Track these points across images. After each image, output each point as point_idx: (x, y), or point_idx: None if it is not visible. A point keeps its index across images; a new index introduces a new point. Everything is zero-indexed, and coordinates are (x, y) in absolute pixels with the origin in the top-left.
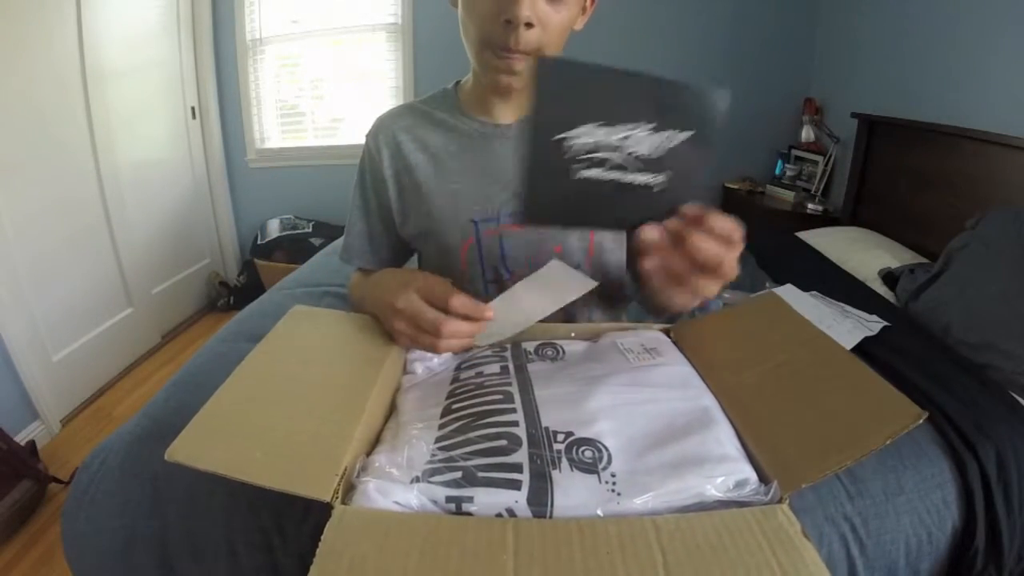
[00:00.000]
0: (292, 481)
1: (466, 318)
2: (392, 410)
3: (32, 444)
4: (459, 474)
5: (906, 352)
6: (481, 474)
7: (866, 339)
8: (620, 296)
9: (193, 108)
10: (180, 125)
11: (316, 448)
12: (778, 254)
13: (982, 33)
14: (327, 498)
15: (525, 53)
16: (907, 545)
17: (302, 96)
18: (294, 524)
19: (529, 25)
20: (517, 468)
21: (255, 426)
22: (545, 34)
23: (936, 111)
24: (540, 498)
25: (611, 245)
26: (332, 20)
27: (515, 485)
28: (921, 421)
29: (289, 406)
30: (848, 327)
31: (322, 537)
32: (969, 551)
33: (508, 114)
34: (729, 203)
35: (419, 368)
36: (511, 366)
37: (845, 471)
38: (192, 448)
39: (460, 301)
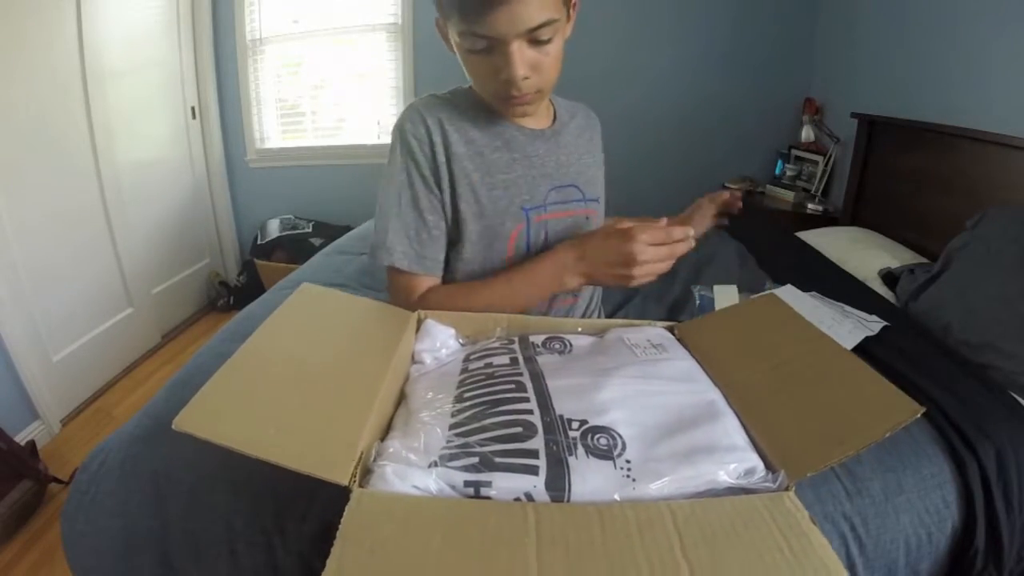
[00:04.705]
0: (309, 463)
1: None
2: (401, 398)
3: (32, 444)
4: (476, 459)
5: (906, 352)
6: (498, 459)
7: (866, 339)
8: None
9: (193, 108)
10: (180, 125)
11: (331, 430)
12: (778, 254)
13: (982, 33)
14: (345, 481)
15: (529, 94)
16: (907, 545)
17: (302, 96)
18: (295, 524)
19: (526, 77)
20: (534, 454)
21: (266, 402)
22: (541, 76)
23: (936, 111)
24: (558, 483)
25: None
26: (332, 20)
27: (533, 470)
28: (919, 415)
29: (301, 385)
30: (848, 327)
31: (342, 520)
32: (969, 551)
33: (538, 122)
34: None
35: (428, 358)
36: (520, 358)
37: (845, 471)
38: (201, 419)
39: (676, 230)
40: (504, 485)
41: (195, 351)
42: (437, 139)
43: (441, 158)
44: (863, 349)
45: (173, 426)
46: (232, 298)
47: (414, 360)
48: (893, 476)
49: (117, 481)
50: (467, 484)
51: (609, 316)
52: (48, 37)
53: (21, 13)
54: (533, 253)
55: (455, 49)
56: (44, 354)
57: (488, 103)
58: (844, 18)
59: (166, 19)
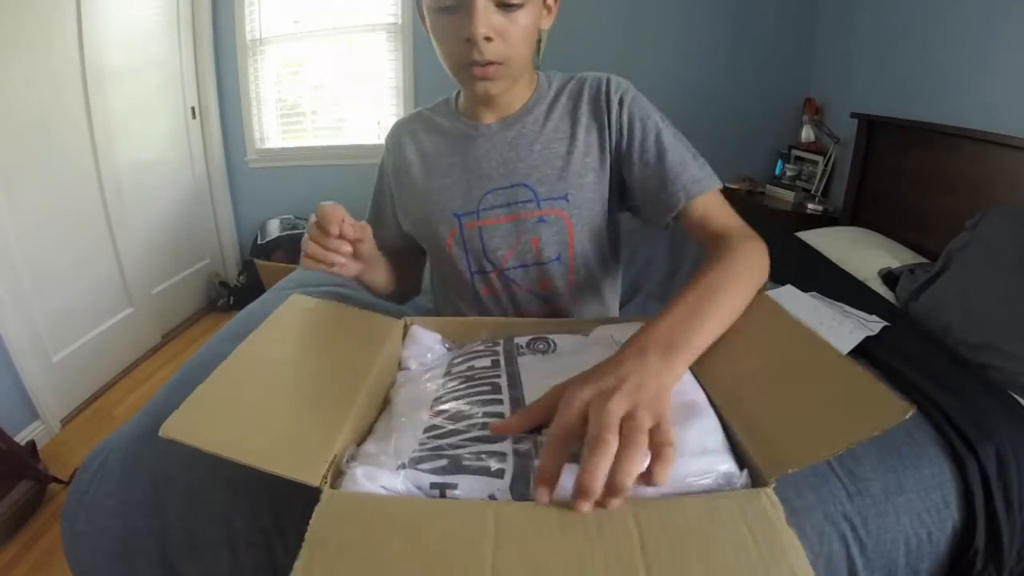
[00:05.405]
0: (283, 464)
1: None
2: (385, 404)
3: (32, 444)
4: (445, 461)
5: (906, 352)
6: (466, 462)
7: (866, 339)
8: (599, 287)
9: (193, 108)
10: (180, 125)
11: (308, 435)
12: (778, 254)
13: (981, 33)
14: (316, 483)
15: (492, 63)
16: (907, 545)
17: (302, 96)
18: (294, 524)
19: (488, 39)
20: (502, 456)
21: (250, 409)
22: (506, 44)
23: (936, 111)
24: (523, 485)
25: (587, 238)
26: (332, 20)
27: (499, 473)
28: (908, 416)
29: (284, 392)
30: (848, 327)
31: (311, 521)
32: (969, 551)
33: (490, 116)
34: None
35: (413, 364)
36: (502, 360)
37: (845, 471)
38: (186, 426)
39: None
40: (470, 487)
41: (195, 351)
42: (391, 154)
43: (390, 169)
44: (863, 349)
45: (160, 433)
46: (232, 298)
47: (401, 366)
48: (893, 476)
49: (117, 481)
50: (433, 486)
51: None
52: (48, 37)
53: (20, 13)
54: (475, 262)
55: (427, 23)
56: (44, 354)
57: (456, 104)
58: (844, 18)
59: (166, 19)
